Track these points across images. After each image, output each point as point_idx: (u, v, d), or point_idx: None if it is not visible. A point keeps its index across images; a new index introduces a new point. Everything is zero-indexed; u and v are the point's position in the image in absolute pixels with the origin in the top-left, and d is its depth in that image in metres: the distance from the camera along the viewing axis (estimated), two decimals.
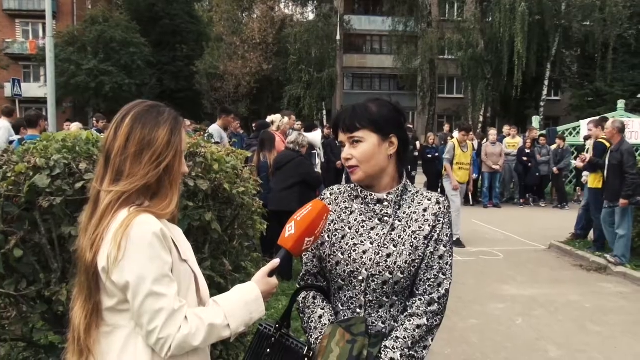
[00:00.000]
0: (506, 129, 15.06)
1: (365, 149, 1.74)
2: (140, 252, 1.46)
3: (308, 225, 1.68)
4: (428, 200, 1.81)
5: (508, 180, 14.41)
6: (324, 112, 31.48)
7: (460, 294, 6.34)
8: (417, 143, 14.38)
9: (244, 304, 1.62)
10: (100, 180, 1.58)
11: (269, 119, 9.76)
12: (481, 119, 29.53)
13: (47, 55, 14.06)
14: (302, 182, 6.63)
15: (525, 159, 13.71)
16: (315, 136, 9.10)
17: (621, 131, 7.52)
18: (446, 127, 17.97)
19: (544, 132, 15.64)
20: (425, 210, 1.78)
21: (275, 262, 1.72)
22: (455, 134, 15.45)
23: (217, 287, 2.78)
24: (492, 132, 14.15)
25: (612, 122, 7.65)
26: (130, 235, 1.46)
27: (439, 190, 11.72)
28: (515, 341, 5.03)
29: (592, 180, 8.24)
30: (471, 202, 13.29)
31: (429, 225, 1.76)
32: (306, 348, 1.71)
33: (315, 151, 9.62)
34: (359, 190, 1.83)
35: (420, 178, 14.19)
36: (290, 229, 1.69)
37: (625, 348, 4.93)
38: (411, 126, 15.94)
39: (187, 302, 1.56)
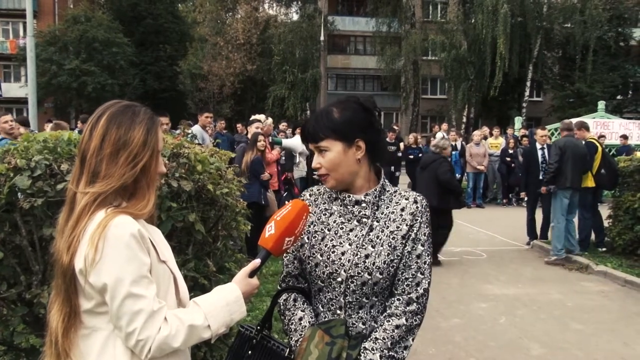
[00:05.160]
0: (490, 129, 15.26)
1: (331, 158, 1.73)
2: (117, 253, 1.44)
3: (288, 225, 1.66)
4: (406, 199, 1.79)
5: (491, 180, 14.52)
6: (308, 112, 31.46)
7: (444, 293, 6.38)
8: (401, 144, 14.34)
9: (225, 304, 1.60)
10: (76, 181, 1.56)
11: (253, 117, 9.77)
12: (464, 119, 29.77)
13: (27, 55, 13.91)
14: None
15: (508, 159, 13.82)
16: (293, 141, 9.42)
17: (569, 130, 8.37)
18: (435, 129, 18.06)
19: (526, 132, 15.78)
20: (403, 209, 1.77)
21: (256, 262, 1.70)
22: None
23: (201, 288, 2.77)
24: (476, 133, 14.27)
25: (561, 123, 8.69)
26: (107, 237, 1.44)
27: None
28: (499, 340, 5.08)
29: (584, 180, 8.22)
30: None
31: (407, 225, 1.74)
32: (287, 350, 1.70)
33: (295, 154, 9.78)
34: (338, 192, 1.82)
35: (404, 178, 14.23)
36: (270, 229, 1.68)
37: (606, 345, 4.99)
38: (396, 127, 15.85)
39: (167, 303, 1.54)
